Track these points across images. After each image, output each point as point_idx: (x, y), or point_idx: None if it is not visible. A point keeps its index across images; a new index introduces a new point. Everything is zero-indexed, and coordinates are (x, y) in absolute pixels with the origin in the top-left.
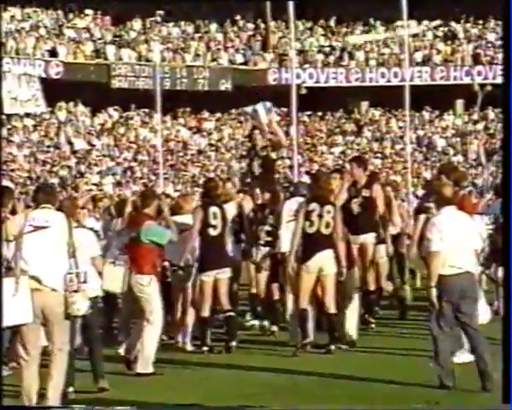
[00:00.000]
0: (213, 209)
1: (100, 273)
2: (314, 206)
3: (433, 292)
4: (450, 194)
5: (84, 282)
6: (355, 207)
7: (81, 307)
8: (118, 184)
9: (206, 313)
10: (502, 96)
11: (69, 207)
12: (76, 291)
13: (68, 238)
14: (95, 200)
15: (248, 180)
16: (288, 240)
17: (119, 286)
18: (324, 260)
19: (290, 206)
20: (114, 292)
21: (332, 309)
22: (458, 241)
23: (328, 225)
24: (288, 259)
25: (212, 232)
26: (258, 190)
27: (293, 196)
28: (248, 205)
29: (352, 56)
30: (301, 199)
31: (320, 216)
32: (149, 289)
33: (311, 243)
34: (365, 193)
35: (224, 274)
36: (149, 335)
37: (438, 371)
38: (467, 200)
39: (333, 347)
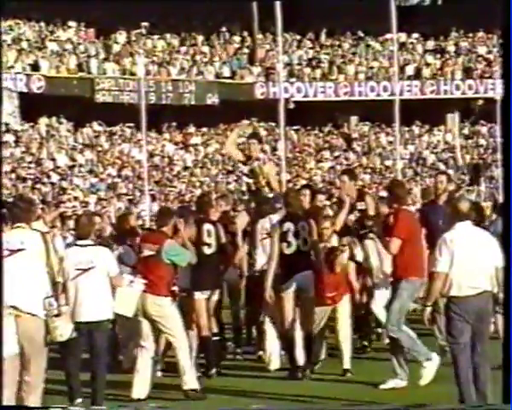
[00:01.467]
0: (207, 227)
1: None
2: (288, 225)
3: (428, 312)
4: (466, 209)
5: (66, 304)
6: (352, 222)
7: (64, 332)
8: (101, 200)
9: (206, 331)
10: (502, 96)
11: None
12: (57, 315)
13: (46, 259)
14: (63, 217)
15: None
16: (263, 259)
17: (132, 309)
18: (304, 282)
19: (263, 224)
20: (125, 315)
21: (310, 331)
22: (475, 260)
23: (306, 242)
24: (265, 284)
25: (207, 251)
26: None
27: (267, 212)
28: (244, 221)
29: (340, 70)
30: (275, 217)
31: (296, 235)
32: (171, 311)
33: (291, 264)
34: (360, 206)
35: (216, 296)
36: (183, 354)
37: (460, 389)
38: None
39: (308, 371)
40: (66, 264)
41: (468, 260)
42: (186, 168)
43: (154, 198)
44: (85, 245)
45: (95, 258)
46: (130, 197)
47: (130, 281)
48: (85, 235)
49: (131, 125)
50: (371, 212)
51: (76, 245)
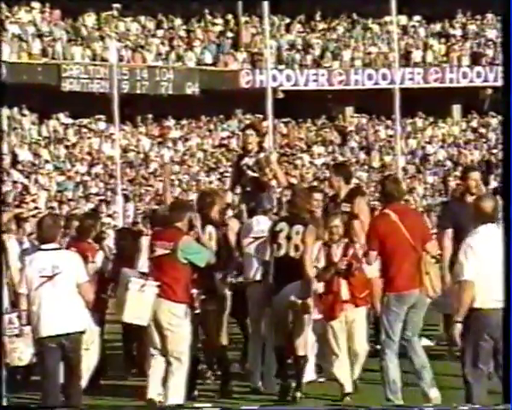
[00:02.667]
0: (209, 229)
1: (87, 303)
2: (282, 226)
3: (458, 328)
4: (490, 209)
5: (28, 324)
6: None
7: (24, 355)
8: (69, 201)
9: (224, 340)
10: (502, 97)
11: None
12: (18, 336)
13: (6, 269)
14: (19, 219)
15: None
16: (251, 266)
17: (147, 318)
18: (296, 293)
19: (248, 226)
20: (139, 325)
21: (301, 351)
22: (498, 268)
23: (297, 248)
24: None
25: None
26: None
27: (254, 212)
28: (235, 227)
29: (334, 56)
30: (263, 218)
31: (288, 238)
32: (183, 323)
33: (280, 270)
34: (345, 208)
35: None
36: (178, 375)
37: None
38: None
39: (299, 394)
40: (28, 271)
41: (491, 269)
42: (163, 165)
43: (127, 198)
44: (50, 249)
45: (61, 263)
46: (102, 197)
47: (142, 285)
48: (50, 238)
49: (102, 117)
50: (363, 216)
51: (39, 250)
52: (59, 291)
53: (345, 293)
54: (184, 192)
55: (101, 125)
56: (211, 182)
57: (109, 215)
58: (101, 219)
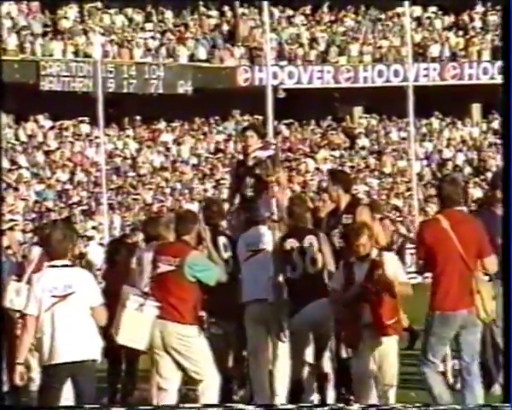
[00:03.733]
0: (223, 240)
1: (101, 329)
2: (291, 242)
3: None
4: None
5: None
6: (335, 240)
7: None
8: (49, 211)
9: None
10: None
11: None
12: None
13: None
14: None
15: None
16: (251, 284)
17: (145, 340)
18: (318, 313)
19: (246, 238)
20: (136, 348)
21: (326, 368)
22: None
23: (314, 262)
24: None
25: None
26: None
27: (251, 222)
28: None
29: (342, 51)
30: (262, 228)
31: (302, 253)
32: (197, 341)
33: (299, 293)
34: (347, 220)
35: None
36: (211, 393)
37: None
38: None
39: None
40: (36, 290)
41: None
42: (154, 172)
43: (113, 209)
44: (61, 266)
45: (74, 282)
46: (85, 207)
47: (140, 304)
48: (60, 254)
49: (86, 119)
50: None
51: (49, 266)
52: (72, 313)
53: (369, 318)
54: (176, 202)
55: (85, 128)
56: (206, 190)
57: (93, 228)
58: (75, 231)
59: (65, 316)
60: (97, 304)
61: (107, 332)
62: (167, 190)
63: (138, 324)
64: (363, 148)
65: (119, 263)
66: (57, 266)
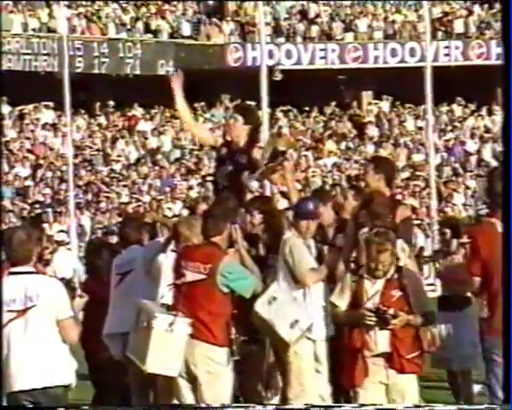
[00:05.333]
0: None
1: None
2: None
3: None
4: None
5: None
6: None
7: None
8: (7, 212)
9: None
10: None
11: None
12: None
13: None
14: None
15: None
16: (115, 314)
17: (177, 366)
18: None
19: (118, 259)
20: (168, 375)
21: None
22: None
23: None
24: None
25: None
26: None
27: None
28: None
29: (348, 26)
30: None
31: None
32: (224, 371)
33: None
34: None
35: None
36: None
37: None
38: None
39: None
40: None
41: None
42: (129, 166)
43: (81, 209)
44: (22, 273)
45: (36, 292)
46: (49, 208)
47: (170, 323)
48: (22, 258)
49: (50, 103)
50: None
51: (9, 274)
52: (33, 331)
53: (384, 345)
54: (156, 202)
55: (49, 115)
56: (190, 188)
57: (60, 231)
58: (43, 233)
59: (23, 334)
60: (65, 317)
61: (92, 349)
62: (145, 188)
63: (169, 346)
64: (372, 139)
65: (102, 269)
66: (17, 274)
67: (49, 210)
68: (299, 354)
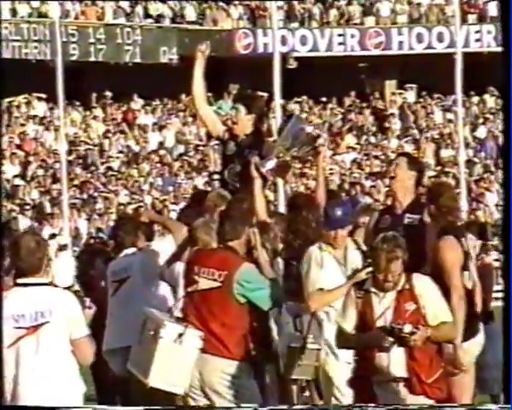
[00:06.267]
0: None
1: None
2: None
3: None
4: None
5: None
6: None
7: None
8: None
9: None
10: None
11: None
12: None
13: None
14: None
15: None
16: (113, 327)
17: (186, 382)
18: None
19: (113, 266)
20: (175, 393)
21: None
22: None
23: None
24: None
25: None
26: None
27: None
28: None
29: (368, 10)
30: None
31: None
32: (247, 384)
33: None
34: (409, 220)
35: None
36: None
37: None
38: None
39: None
40: None
41: None
42: (129, 163)
43: (76, 210)
44: (32, 285)
45: (49, 307)
46: (41, 210)
47: (179, 334)
48: (32, 268)
49: (42, 95)
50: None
51: (17, 285)
52: (45, 350)
53: (400, 369)
54: (158, 202)
55: (40, 107)
56: (195, 187)
57: (52, 235)
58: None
59: (35, 354)
60: (80, 336)
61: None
62: (146, 187)
63: (177, 360)
64: (395, 133)
65: (94, 278)
66: (27, 285)
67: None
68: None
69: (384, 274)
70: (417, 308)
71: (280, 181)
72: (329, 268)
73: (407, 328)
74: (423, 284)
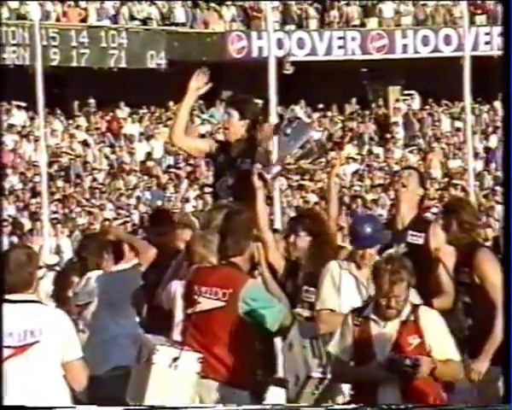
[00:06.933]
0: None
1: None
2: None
3: None
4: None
5: None
6: None
7: None
8: None
9: None
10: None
11: None
12: None
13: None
14: None
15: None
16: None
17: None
18: None
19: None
20: None
21: None
22: None
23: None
24: None
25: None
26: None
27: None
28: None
29: (370, 11)
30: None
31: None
32: None
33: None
34: (413, 238)
35: None
36: None
37: None
38: None
39: None
40: None
41: None
42: (114, 176)
43: (57, 226)
44: (21, 302)
45: (39, 326)
46: (20, 226)
47: (174, 358)
48: (22, 284)
49: (22, 104)
50: (446, 260)
51: (6, 302)
52: (34, 372)
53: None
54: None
55: (19, 116)
56: (187, 200)
57: None
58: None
59: (21, 376)
60: (74, 358)
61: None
62: (132, 201)
63: (172, 386)
64: (400, 142)
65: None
66: (15, 302)
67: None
68: None
69: (387, 299)
70: (421, 343)
71: (276, 194)
72: (346, 289)
73: (410, 361)
74: (430, 317)
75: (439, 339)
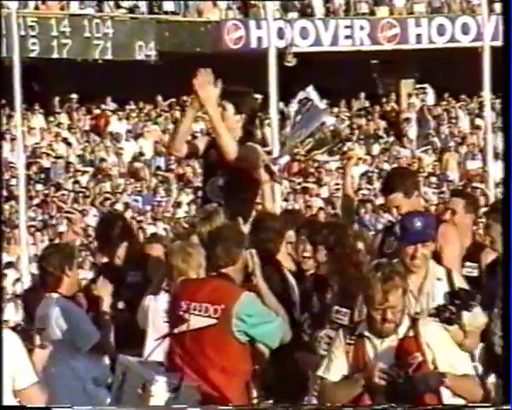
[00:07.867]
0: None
1: None
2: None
3: None
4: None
5: None
6: None
7: None
8: None
9: None
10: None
11: None
12: None
13: None
14: None
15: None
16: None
17: None
18: None
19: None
20: None
21: None
22: None
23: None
24: None
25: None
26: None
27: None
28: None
29: None
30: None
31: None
32: None
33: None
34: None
35: None
36: None
37: None
38: None
39: None
40: None
41: None
42: (99, 178)
43: (36, 234)
44: None
45: None
46: None
47: (174, 388)
48: None
49: None
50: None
51: None
52: None
53: None
54: (135, 222)
55: None
56: (179, 204)
57: (8, 264)
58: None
59: None
60: (28, 384)
61: None
62: (119, 206)
63: None
64: (413, 141)
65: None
66: None
67: None
68: None
69: (381, 311)
70: (424, 361)
71: (277, 191)
72: None
73: (434, 380)
74: (432, 331)
75: (445, 354)
